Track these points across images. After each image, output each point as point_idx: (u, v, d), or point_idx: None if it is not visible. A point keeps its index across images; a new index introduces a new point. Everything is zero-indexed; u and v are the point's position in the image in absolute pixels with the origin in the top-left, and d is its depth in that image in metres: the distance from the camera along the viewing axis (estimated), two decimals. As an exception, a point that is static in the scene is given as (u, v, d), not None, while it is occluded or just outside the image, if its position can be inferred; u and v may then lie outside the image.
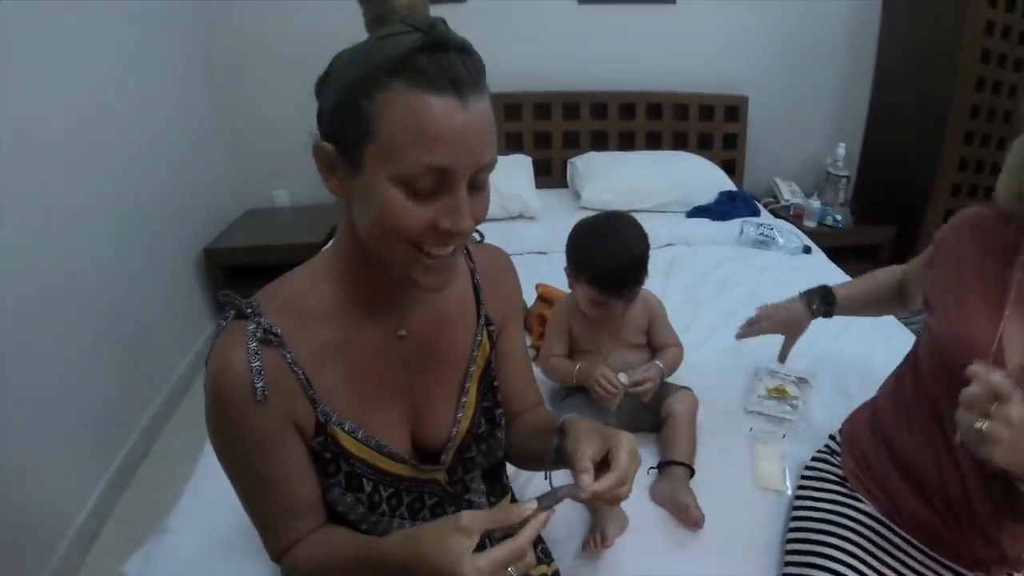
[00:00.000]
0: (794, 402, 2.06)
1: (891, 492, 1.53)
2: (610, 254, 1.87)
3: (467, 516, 0.93)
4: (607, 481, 1.01)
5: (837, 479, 1.64)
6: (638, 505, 1.72)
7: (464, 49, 0.94)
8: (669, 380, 2.07)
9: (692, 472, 1.80)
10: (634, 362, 2.04)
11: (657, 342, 2.13)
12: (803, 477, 1.73)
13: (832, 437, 1.77)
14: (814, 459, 1.76)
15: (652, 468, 1.84)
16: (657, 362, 2.01)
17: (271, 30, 4.09)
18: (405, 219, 0.93)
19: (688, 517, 1.66)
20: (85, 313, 2.76)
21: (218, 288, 3.89)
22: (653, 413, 1.98)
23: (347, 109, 0.94)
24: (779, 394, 2.08)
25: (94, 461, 2.78)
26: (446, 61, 0.90)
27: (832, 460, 1.70)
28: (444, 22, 0.93)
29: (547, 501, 0.97)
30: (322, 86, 1.01)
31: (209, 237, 3.96)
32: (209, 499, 1.82)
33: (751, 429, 2.01)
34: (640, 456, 1.10)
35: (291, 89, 4.12)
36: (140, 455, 3.09)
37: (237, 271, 3.90)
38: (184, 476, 2.03)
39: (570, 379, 2.03)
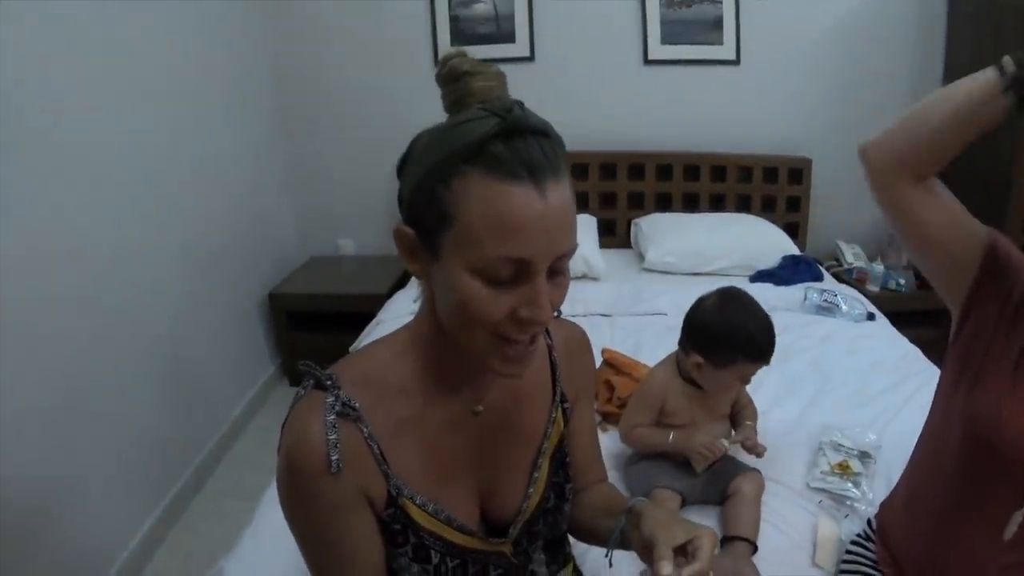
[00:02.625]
0: (857, 479, 2.04)
1: None
2: (760, 327, 1.91)
3: None
4: (691, 569, 1.00)
5: (871, 563, 1.62)
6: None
7: (543, 132, 0.93)
8: (739, 459, 2.09)
9: (755, 548, 1.81)
10: (722, 431, 2.08)
11: (738, 404, 2.17)
12: (843, 560, 1.72)
13: (869, 521, 1.75)
14: (853, 543, 1.74)
15: (715, 542, 1.84)
16: (748, 422, 2.09)
17: (345, 82, 4.26)
18: (483, 308, 0.93)
19: (750, 595, 1.67)
20: (148, 348, 2.88)
21: (280, 333, 4.02)
22: (720, 488, 1.99)
23: (425, 195, 0.94)
24: (842, 470, 2.06)
25: (147, 494, 2.87)
26: (523, 147, 0.89)
27: (867, 544, 1.68)
28: (522, 105, 0.94)
29: None
30: (402, 169, 1.02)
31: (274, 282, 4.08)
32: (267, 548, 1.85)
33: (820, 502, 2.00)
34: (718, 537, 1.11)
35: (361, 140, 4.27)
36: (192, 492, 3.17)
37: (300, 317, 3.99)
38: (234, 516, 2.05)
39: (661, 447, 2.04)
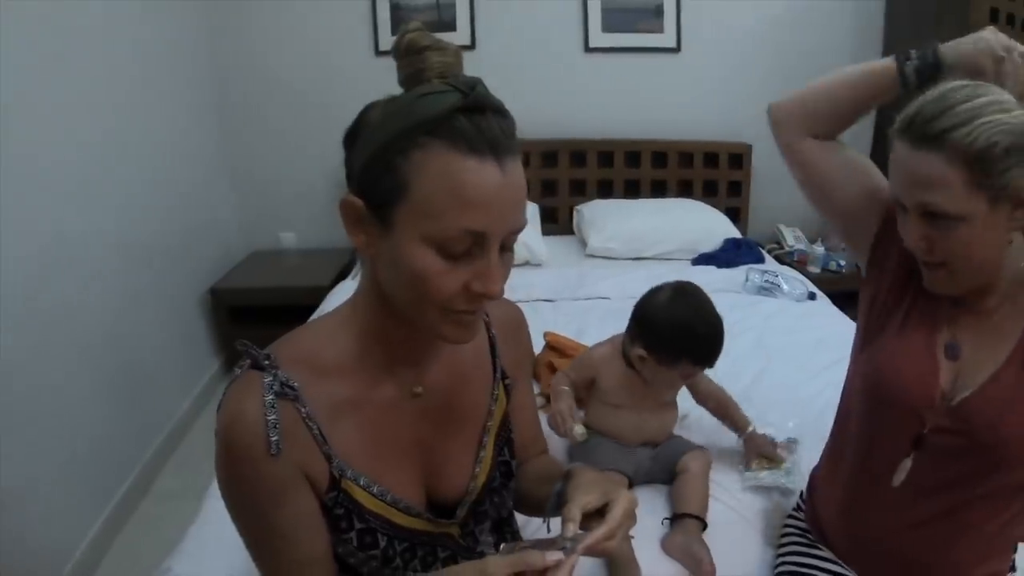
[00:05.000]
0: (787, 466, 2.03)
1: (833, 541, 1.58)
2: (710, 330, 1.87)
3: (492, 562, 0.93)
4: (595, 535, 0.99)
5: (799, 531, 1.68)
6: (651, 557, 1.73)
7: (501, 112, 0.94)
8: (686, 437, 2.09)
9: (704, 525, 1.81)
10: (665, 422, 2.07)
11: (702, 391, 2.15)
12: (781, 534, 1.77)
13: (801, 493, 1.80)
14: (789, 515, 1.79)
15: (665, 519, 1.85)
16: (751, 428, 2.09)
17: (285, 72, 4.20)
18: (437, 282, 0.93)
19: (701, 571, 1.67)
20: (89, 347, 2.79)
21: (223, 328, 3.95)
22: (668, 468, 1.98)
23: (381, 166, 0.93)
24: (769, 463, 2.04)
25: (94, 497, 2.79)
26: (485, 124, 0.91)
27: (797, 514, 1.74)
28: (483, 83, 0.93)
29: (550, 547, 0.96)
30: (352, 138, 1.00)
31: (215, 277, 4.00)
32: (213, 542, 1.81)
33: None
34: (637, 514, 1.07)
35: (302, 133, 4.22)
36: (140, 492, 3.09)
37: (242, 312, 3.92)
38: (184, 515, 2.01)
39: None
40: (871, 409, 1.42)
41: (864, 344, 1.46)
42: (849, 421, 1.51)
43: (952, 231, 1.17)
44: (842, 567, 1.55)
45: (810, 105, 1.47)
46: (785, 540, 1.71)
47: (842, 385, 2.41)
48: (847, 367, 1.58)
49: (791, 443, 2.12)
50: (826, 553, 1.58)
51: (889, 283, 1.41)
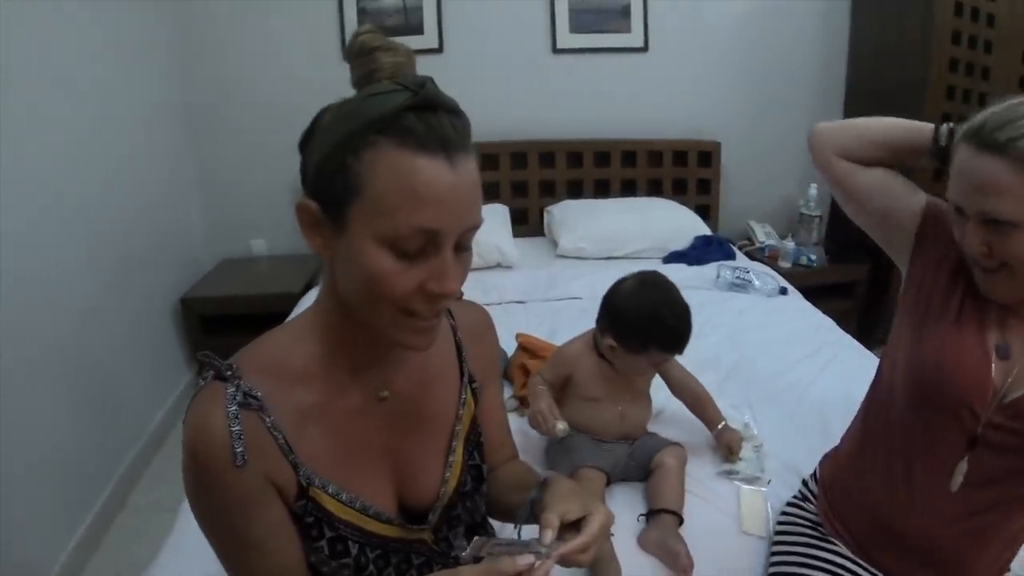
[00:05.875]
0: (752, 455, 2.06)
1: (858, 536, 1.56)
2: (676, 316, 1.89)
3: (465, 572, 0.93)
4: (571, 545, 0.99)
5: (810, 523, 1.67)
6: (629, 553, 1.73)
7: (453, 110, 0.94)
8: (661, 433, 2.09)
9: (681, 520, 1.81)
10: (642, 413, 2.08)
11: (676, 382, 2.17)
12: (779, 523, 1.76)
13: (805, 482, 1.79)
14: (789, 503, 1.78)
15: (641, 515, 1.85)
16: (723, 422, 2.11)
17: (251, 79, 4.15)
18: (391, 282, 0.93)
19: (678, 565, 1.67)
20: (60, 361, 2.74)
21: (195, 338, 3.88)
22: (643, 464, 1.98)
23: (333, 167, 0.93)
24: (734, 455, 2.05)
25: (68, 513, 2.72)
26: (435, 121, 0.90)
27: (804, 505, 1.73)
28: (433, 82, 0.93)
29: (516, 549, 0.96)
30: (306, 142, 1.00)
31: (185, 286, 3.93)
32: (189, 554, 1.77)
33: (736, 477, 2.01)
34: (615, 511, 1.08)
35: (270, 138, 4.15)
36: (115, 508, 3.03)
37: (214, 321, 3.86)
38: (160, 529, 1.98)
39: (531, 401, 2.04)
40: (918, 403, 1.42)
41: (909, 338, 1.46)
42: (886, 417, 1.51)
43: (1012, 236, 1.21)
44: (857, 563, 1.55)
45: (846, 130, 1.58)
46: (789, 529, 1.70)
47: (817, 379, 2.47)
48: (879, 362, 1.60)
49: (747, 429, 2.16)
50: (840, 548, 1.58)
51: (934, 279, 1.44)
